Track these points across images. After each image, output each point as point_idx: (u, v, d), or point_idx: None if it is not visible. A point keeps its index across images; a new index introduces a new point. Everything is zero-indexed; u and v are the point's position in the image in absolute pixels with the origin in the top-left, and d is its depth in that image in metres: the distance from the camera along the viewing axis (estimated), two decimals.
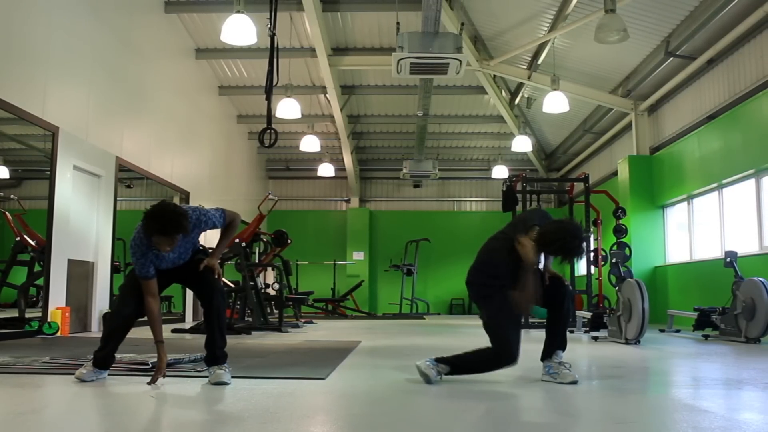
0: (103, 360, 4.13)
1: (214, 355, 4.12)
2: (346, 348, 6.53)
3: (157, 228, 3.83)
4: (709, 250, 11.30)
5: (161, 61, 11.95)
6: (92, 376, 4.07)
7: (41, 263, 8.56)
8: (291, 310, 12.99)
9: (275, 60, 8.27)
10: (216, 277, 4.21)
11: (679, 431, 2.76)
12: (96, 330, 9.32)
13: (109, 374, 4.21)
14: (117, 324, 4.16)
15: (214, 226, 4.24)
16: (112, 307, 9.84)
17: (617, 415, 3.19)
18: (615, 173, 14.36)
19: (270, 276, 15.53)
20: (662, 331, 9.67)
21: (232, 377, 4.04)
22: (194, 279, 4.22)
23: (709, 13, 9.45)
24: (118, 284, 10.28)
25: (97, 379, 4.10)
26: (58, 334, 8.15)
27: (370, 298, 19.90)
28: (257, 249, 12.10)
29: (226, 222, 4.27)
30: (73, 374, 4.16)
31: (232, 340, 7.40)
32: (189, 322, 11.91)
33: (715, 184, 10.92)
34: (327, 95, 14.58)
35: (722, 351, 6.67)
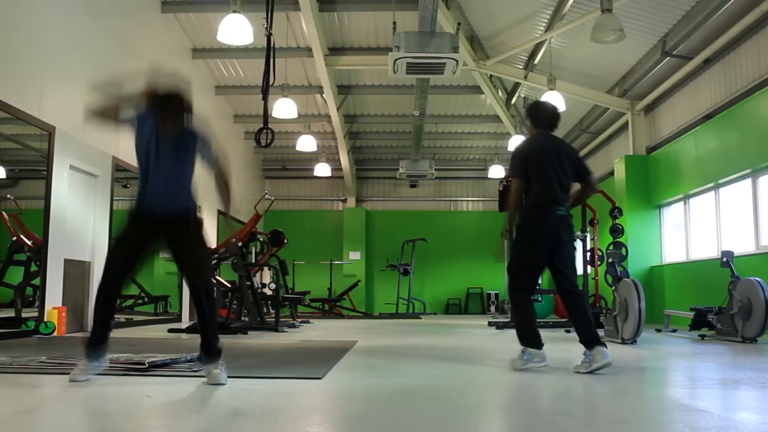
0: (98, 343, 4.08)
1: (209, 353, 4.10)
2: (342, 348, 6.53)
3: (164, 98, 4.00)
4: (706, 249, 11.32)
5: (158, 60, 11.93)
6: (86, 375, 4.04)
7: (38, 263, 8.54)
8: (287, 309, 12.98)
9: (271, 60, 8.27)
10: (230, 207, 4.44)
11: (675, 431, 2.76)
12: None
13: (105, 374, 4.20)
14: (104, 291, 4.13)
15: (206, 154, 4.35)
16: None
17: (614, 414, 3.20)
18: (611, 173, 14.37)
19: (266, 276, 15.52)
20: (659, 330, 9.68)
21: (229, 377, 4.04)
22: (185, 257, 4.21)
23: (706, 12, 9.47)
24: None
25: (94, 374, 4.06)
26: (55, 333, 8.14)
27: (367, 297, 19.90)
28: (254, 249, 12.09)
29: (216, 155, 4.40)
30: (70, 374, 4.15)
31: (228, 340, 7.40)
32: (185, 322, 11.90)
33: (711, 184, 10.94)
34: (323, 95, 14.57)
35: (719, 351, 6.69)
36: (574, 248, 5.09)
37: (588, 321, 4.78)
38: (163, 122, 4.11)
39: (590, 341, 4.66)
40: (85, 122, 4.30)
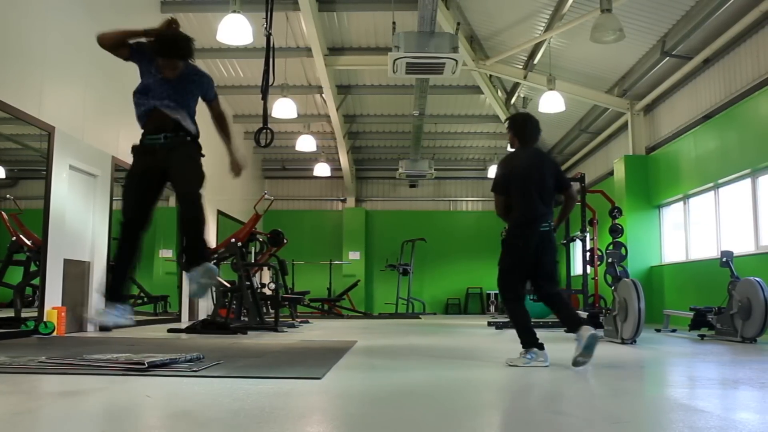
0: (119, 288, 4.05)
1: (190, 259, 4.09)
2: (342, 348, 6.52)
3: (167, 43, 4.14)
4: (705, 249, 11.32)
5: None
6: (112, 318, 3.95)
7: (37, 263, 8.54)
8: (287, 309, 12.98)
9: (271, 60, 8.27)
10: (239, 173, 4.56)
11: (675, 431, 2.76)
12: (92, 329, 9.29)
13: (105, 374, 4.20)
14: (126, 231, 4.14)
15: (206, 93, 4.46)
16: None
17: (613, 414, 3.20)
18: (611, 173, 14.37)
19: (266, 276, 15.52)
20: (658, 330, 9.68)
21: (228, 377, 4.03)
22: (179, 172, 4.24)
23: (705, 12, 9.47)
24: None
25: (120, 320, 3.99)
26: (54, 333, 8.13)
27: (366, 297, 19.91)
28: (253, 249, 12.09)
29: (216, 97, 4.52)
30: (70, 374, 4.15)
31: (228, 340, 7.41)
32: (185, 322, 11.90)
33: (711, 184, 10.94)
34: (323, 95, 14.57)
35: (718, 351, 6.69)
36: (556, 260, 5.47)
37: (569, 310, 5.21)
38: (164, 66, 4.21)
39: (575, 325, 4.92)
40: (98, 39, 4.39)
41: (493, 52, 12.97)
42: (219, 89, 16.00)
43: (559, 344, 7.34)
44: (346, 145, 17.57)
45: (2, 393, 3.63)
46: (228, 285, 10.16)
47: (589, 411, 3.36)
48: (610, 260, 8.93)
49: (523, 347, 5.09)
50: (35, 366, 4.65)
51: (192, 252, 4.09)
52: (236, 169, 4.59)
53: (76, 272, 9.14)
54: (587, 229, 10.75)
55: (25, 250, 8.79)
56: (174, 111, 4.31)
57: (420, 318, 15.90)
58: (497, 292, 21.12)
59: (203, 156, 4.59)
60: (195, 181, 4.25)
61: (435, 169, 18.14)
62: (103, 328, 4.12)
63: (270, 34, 8.33)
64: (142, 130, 4.44)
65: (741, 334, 7.71)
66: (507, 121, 5.67)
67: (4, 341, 7.14)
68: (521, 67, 13.30)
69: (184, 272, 4.12)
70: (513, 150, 5.51)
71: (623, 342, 7.25)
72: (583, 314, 9.10)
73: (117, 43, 4.34)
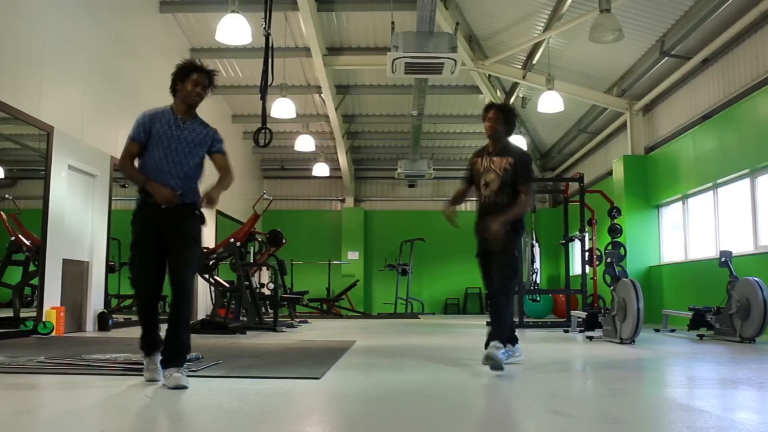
0: (150, 344, 4.05)
1: (175, 355, 3.98)
2: (341, 348, 6.53)
3: (199, 67, 4.36)
4: (704, 249, 11.32)
5: (156, 60, 11.92)
6: (157, 372, 3.97)
7: (36, 263, 8.54)
8: (286, 309, 12.98)
9: (270, 60, 8.27)
10: (211, 205, 4.27)
11: (674, 431, 2.76)
12: (91, 329, 9.29)
13: (104, 374, 4.20)
14: (143, 303, 4.13)
15: (219, 148, 4.47)
16: (107, 306, 9.82)
17: (612, 414, 3.20)
18: (610, 173, 14.38)
19: (265, 275, 15.52)
20: (657, 330, 9.68)
21: (227, 377, 4.03)
22: (178, 254, 4.10)
23: (704, 12, 9.48)
24: (113, 284, 10.26)
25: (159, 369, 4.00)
26: (53, 333, 8.13)
27: (365, 297, 19.90)
28: (252, 249, 12.09)
29: (223, 150, 4.50)
30: (69, 374, 4.15)
31: (227, 340, 7.41)
32: None
33: (709, 184, 10.94)
34: (322, 95, 14.57)
35: (717, 351, 6.69)
36: None
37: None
38: (193, 87, 4.32)
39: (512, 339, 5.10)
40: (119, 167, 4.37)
41: (491, 52, 12.97)
42: (218, 89, 16.04)
43: (558, 344, 7.35)
44: (344, 145, 17.57)
45: (1, 393, 3.63)
46: (227, 285, 10.16)
47: (588, 410, 3.36)
48: (609, 260, 8.94)
49: (510, 343, 5.05)
50: (34, 366, 4.65)
51: (176, 349, 3.98)
52: (211, 202, 4.30)
53: (75, 272, 9.13)
54: (586, 229, 10.75)
55: (24, 250, 8.79)
56: (181, 174, 4.24)
57: (419, 318, 15.90)
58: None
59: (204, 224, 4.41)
60: (193, 269, 4.18)
61: (434, 169, 18.13)
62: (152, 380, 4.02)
63: (269, 34, 8.32)
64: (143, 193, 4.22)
65: (740, 333, 7.71)
66: (504, 112, 5.56)
67: (3, 341, 7.13)
68: (520, 67, 13.30)
69: (162, 367, 3.96)
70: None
71: (622, 342, 7.25)
72: (582, 314, 9.11)
73: (133, 160, 4.24)
